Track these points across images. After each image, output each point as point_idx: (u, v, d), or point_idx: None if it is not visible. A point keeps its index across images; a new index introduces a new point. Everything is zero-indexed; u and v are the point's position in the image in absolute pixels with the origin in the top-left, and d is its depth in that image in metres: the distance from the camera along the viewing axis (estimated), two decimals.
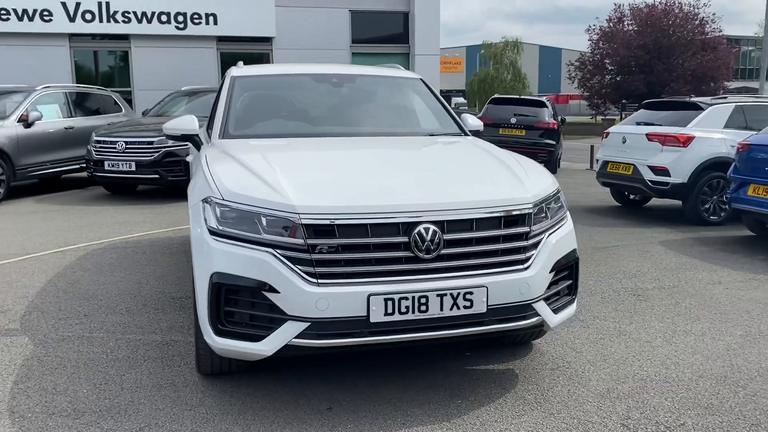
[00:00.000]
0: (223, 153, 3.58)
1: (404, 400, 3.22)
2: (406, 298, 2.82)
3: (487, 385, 3.40)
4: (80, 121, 10.89)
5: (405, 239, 2.86)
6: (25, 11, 13.34)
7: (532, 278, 3.03)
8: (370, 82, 4.78)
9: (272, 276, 2.79)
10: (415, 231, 2.86)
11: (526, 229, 3.08)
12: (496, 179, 3.32)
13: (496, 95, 16.01)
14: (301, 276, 2.78)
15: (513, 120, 14.33)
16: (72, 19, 13.59)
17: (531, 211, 3.10)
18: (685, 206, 8.21)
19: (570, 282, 3.37)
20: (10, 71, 13.15)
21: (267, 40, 14.90)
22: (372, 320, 2.80)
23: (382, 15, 15.66)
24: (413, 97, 4.74)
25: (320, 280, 2.79)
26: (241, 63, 4.89)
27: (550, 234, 3.19)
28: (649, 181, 8.16)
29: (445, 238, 2.91)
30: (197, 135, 4.25)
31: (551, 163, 14.48)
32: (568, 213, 3.48)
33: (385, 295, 2.80)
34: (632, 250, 6.66)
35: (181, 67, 14.01)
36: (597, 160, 9.22)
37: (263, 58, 15.09)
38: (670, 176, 8.00)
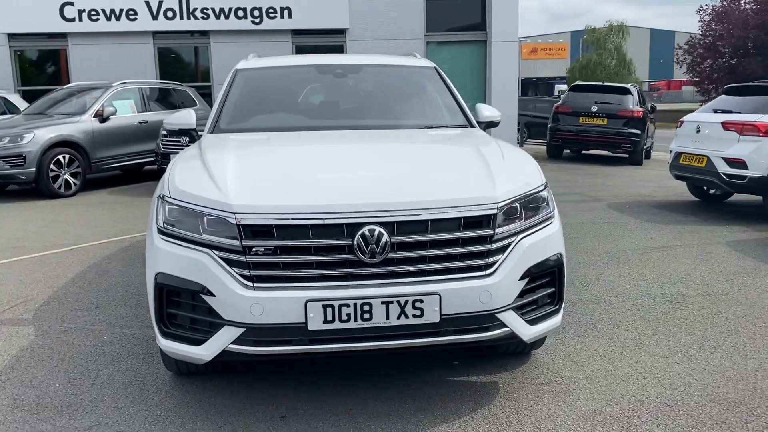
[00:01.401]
0: (196, 149, 3.51)
1: (365, 411, 3.02)
2: (347, 305, 2.63)
3: (461, 399, 3.14)
4: (154, 116, 11.29)
5: (349, 242, 2.66)
6: (112, 11, 14.03)
7: (495, 286, 2.74)
8: (377, 72, 4.57)
9: (209, 278, 2.68)
10: (359, 233, 2.65)
11: (489, 231, 2.79)
12: (464, 177, 3.03)
13: (577, 82, 15.24)
14: (237, 279, 2.65)
15: (594, 108, 13.59)
16: (155, 17, 14.15)
17: (495, 212, 2.80)
18: (765, 202, 7.41)
19: (552, 290, 3.04)
20: (101, 68, 13.86)
21: (341, 32, 14.87)
22: (310, 328, 2.62)
23: (457, 2, 15.24)
24: (422, 88, 4.49)
25: (256, 284, 2.65)
26: (251, 55, 4.82)
27: (524, 237, 2.88)
28: (723, 174, 7.41)
29: (393, 241, 2.68)
30: (194, 129, 4.22)
31: (636, 154, 13.64)
32: (555, 213, 3.15)
33: (324, 301, 2.61)
34: (691, 250, 6.06)
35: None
36: (670, 151, 8.51)
37: (337, 51, 15.10)
38: (747, 169, 7.23)
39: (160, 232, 2.88)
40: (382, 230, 2.66)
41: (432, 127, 4.03)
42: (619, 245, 6.25)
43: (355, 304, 2.63)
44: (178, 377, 3.41)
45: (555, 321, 3.06)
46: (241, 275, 2.65)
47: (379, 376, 3.36)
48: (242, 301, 2.62)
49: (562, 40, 73.21)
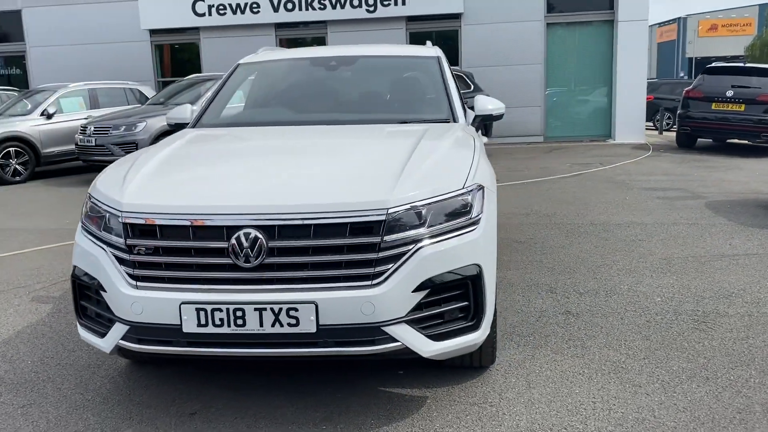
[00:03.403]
0: (153, 145, 3.61)
1: (271, 416, 2.96)
2: (220, 310, 2.58)
3: (375, 412, 2.97)
4: None
5: (226, 245, 2.60)
6: (238, 5, 14.84)
7: (379, 297, 2.56)
8: (372, 63, 4.40)
9: (103, 275, 2.77)
10: (234, 236, 2.59)
11: (376, 239, 2.59)
12: (368, 179, 2.83)
13: (713, 64, 13.68)
14: (123, 277, 2.70)
15: (729, 93, 12.15)
16: (276, 10, 14.75)
17: (384, 218, 2.60)
18: None
19: (465, 304, 2.76)
20: (229, 60, 14.70)
21: (455, 16, 14.55)
22: (185, 330, 2.61)
23: None
24: (414, 79, 4.26)
25: (139, 283, 2.68)
26: (262, 48, 4.85)
27: (426, 245, 2.65)
28: None
29: (272, 245, 2.59)
30: (188, 124, 4.34)
31: None
32: (481, 218, 2.84)
33: (197, 304, 2.59)
34: None
35: None
36: None
37: (452, 36, 14.82)
38: None
39: (81, 226, 3.01)
40: (258, 234, 2.58)
41: (406, 122, 3.81)
42: (685, 251, 5.56)
43: (227, 309, 2.57)
44: (131, 365, 3.55)
45: (471, 338, 2.78)
46: (128, 273, 2.70)
47: (311, 381, 3.28)
48: (126, 299, 2.67)
49: (748, 14, 66.06)
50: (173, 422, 2.94)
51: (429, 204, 2.70)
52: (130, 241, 2.70)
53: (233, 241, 2.58)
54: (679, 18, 68.70)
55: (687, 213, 7.08)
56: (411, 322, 2.64)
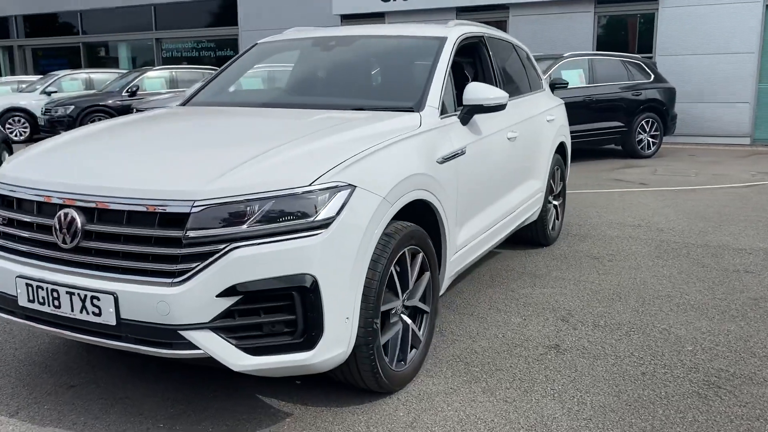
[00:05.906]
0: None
1: (131, 405, 2.88)
2: (42, 288, 2.56)
3: (225, 420, 2.74)
4: None
5: (52, 222, 2.57)
6: None
7: (175, 298, 2.33)
8: (368, 45, 3.99)
9: None
10: (56, 215, 2.54)
11: (179, 233, 2.35)
12: (197, 166, 2.55)
13: None
14: None
15: None
16: None
17: (188, 211, 2.34)
18: None
19: (291, 318, 2.40)
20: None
21: None
22: (20, 303, 2.65)
23: None
24: (403, 63, 3.80)
25: None
26: (292, 29, 4.68)
27: (241, 246, 2.35)
28: None
29: (88, 228, 2.50)
30: None
31: None
32: (330, 223, 2.44)
33: (27, 279, 2.60)
34: None
35: (556, 34, 13.49)
36: None
37: (647, 20, 13.20)
38: None
39: None
40: (76, 215, 2.50)
41: (362, 109, 3.39)
42: None
43: (47, 289, 2.54)
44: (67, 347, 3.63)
45: (299, 357, 2.43)
46: None
47: (197, 375, 3.12)
48: None
49: None
50: (50, 391, 3.01)
51: (252, 200, 2.38)
52: None
53: (55, 219, 2.53)
54: None
55: None
56: (218, 330, 2.37)
